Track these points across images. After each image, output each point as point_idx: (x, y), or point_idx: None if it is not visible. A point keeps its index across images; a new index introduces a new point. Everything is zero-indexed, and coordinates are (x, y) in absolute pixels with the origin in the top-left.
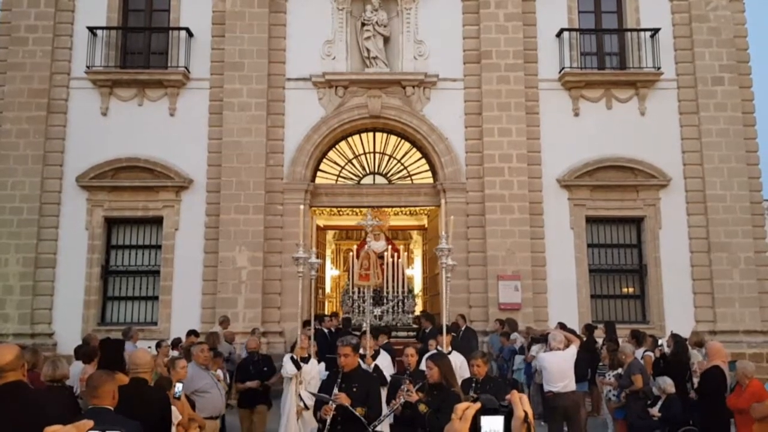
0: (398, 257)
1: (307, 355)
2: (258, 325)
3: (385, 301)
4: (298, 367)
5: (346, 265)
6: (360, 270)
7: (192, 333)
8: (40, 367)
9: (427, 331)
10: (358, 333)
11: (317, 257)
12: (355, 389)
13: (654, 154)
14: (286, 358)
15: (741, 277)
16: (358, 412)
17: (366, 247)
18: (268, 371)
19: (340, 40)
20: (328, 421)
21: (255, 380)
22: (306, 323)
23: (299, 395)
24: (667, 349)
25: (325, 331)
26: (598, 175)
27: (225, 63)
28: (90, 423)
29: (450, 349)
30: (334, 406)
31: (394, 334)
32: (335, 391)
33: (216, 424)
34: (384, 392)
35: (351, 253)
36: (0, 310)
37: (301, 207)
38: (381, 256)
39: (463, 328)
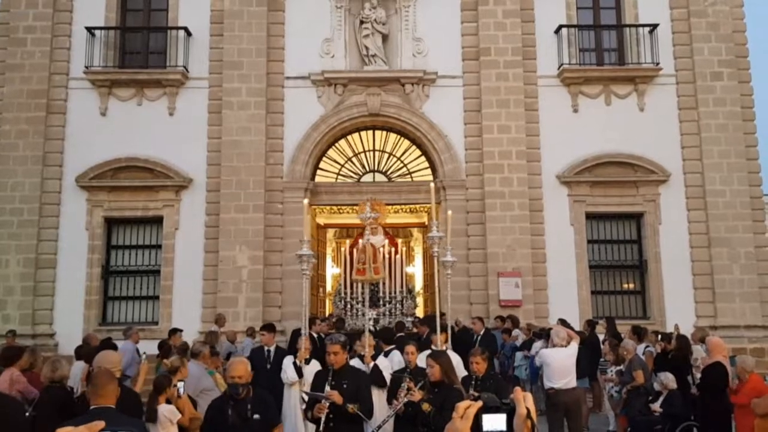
0: (396, 252)
1: (309, 357)
2: (259, 323)
3: (381, 302)
4: (300, 375)
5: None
6: (357, 264)
7: (176, 331)
8: (38, 367)
9: (424, 336)
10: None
11: (314, 255)
12: (345, 386)
13: (653, 149)
14: (287, 362)
15: (741, 272)
16: (351, 408)
17: (364, 239)
18: (261, 421)
19: (339, 38)
20: (322, 419)
21: None
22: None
23: (302, 398)
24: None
25: (314, 335)
26: (597, 171)
27: (224, 62)
28: (101, 424)
29: (446, 348)
30: (327, 404)
31: None
32: (327, 389)
33: None
34: (383, 393)
35: (343, 249)
36: (1, 311)
37: (305, 202)
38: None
39: (481, 332)
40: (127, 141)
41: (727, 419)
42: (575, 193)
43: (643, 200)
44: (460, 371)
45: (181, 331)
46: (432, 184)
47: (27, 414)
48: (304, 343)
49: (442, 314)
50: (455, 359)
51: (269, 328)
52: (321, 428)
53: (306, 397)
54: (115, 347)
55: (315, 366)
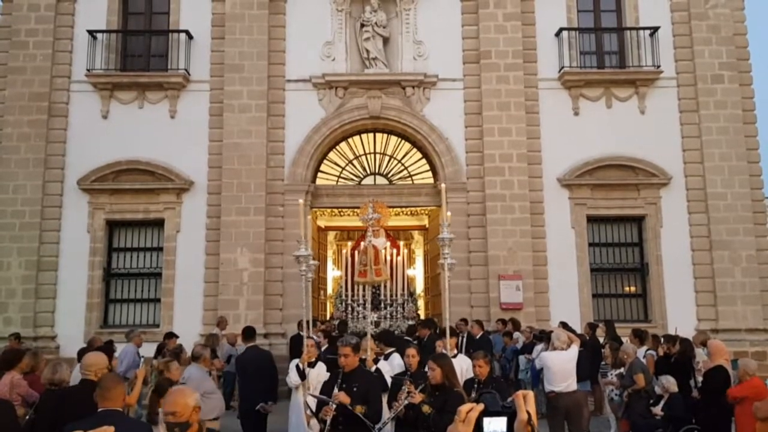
0: (397, 254)
1: (314, 360)
2: (260, 326)
3: (382, 305)
4: (303, 377)
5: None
6: (359, 266)
7: (172, 336)
8: (40, 370)
9: (425, 339)
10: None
11: (315, 257)
12: (355, 388)
13: (654, 152)
14: (292, 366)
15: (743, 275)
16: (358, 410)
17: (366, 241)
18: None
19: (340, 41)
20: (328, 421)
21: None
22: (300, 325)
23: (306, 402)
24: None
25: (315, 338)
26: (598, 174)
27: (225, 65)
28: (111, 429)
29: (455, 351)
30: (334, 406)
31: None
32: (335, 391)
33: (218, 425)
34: (383, 396)
35: (344, 251)
36: (3, 314)
37: (300, 201)
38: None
39: (478, 336)
40: (129, 144)
41: (728, 423)
42: (576, 196)
43: (644, 203)
44: (471, 374)
45: (177, 336)
46: (443, 185)
47: (27, 416)
48: (307, 346)
49: (462, 320)
50: (465, 363)
51: (243, 331)
52: (327, 429)
53: (311, 404)
54: (112, 350)
55: (321, 369)
